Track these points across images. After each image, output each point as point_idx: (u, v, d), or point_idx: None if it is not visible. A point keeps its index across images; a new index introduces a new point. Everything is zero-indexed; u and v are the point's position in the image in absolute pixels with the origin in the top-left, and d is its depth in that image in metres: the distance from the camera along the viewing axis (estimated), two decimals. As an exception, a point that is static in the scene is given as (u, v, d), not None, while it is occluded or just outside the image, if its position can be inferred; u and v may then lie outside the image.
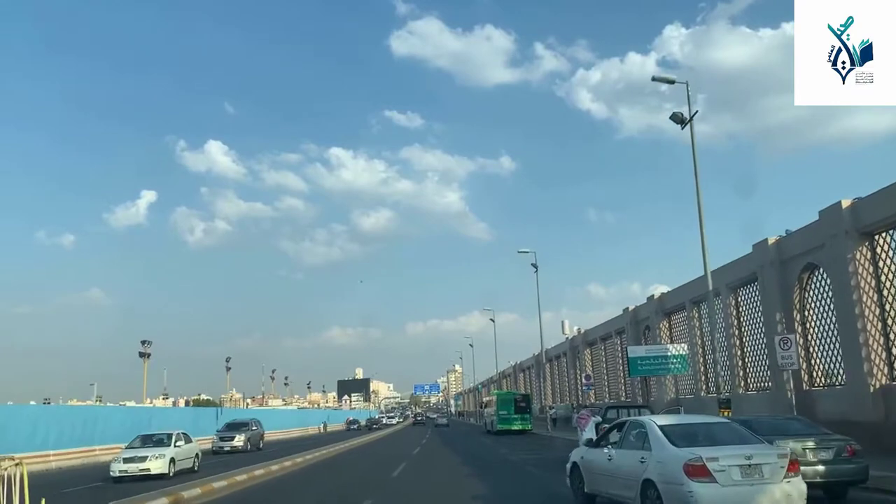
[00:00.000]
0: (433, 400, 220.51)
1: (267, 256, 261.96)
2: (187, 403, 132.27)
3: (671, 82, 20.03)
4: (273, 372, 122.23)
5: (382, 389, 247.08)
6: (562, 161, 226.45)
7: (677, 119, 19.26)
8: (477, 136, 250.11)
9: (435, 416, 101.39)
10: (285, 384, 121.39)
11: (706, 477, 8.21)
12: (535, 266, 39.42)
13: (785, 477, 8.43)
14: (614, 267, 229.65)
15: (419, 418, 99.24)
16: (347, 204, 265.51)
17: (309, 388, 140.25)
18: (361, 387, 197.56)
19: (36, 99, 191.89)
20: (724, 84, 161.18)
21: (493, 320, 71.11)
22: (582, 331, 49.35)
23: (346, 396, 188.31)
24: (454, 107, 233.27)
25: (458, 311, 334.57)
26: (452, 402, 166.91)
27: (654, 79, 20.71)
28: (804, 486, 8.60)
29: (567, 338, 53.23)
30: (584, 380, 43.04)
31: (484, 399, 61.56)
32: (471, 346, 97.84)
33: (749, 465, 8.42)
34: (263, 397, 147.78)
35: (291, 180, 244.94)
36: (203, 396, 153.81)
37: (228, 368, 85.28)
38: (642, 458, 9.23)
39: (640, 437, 9.66)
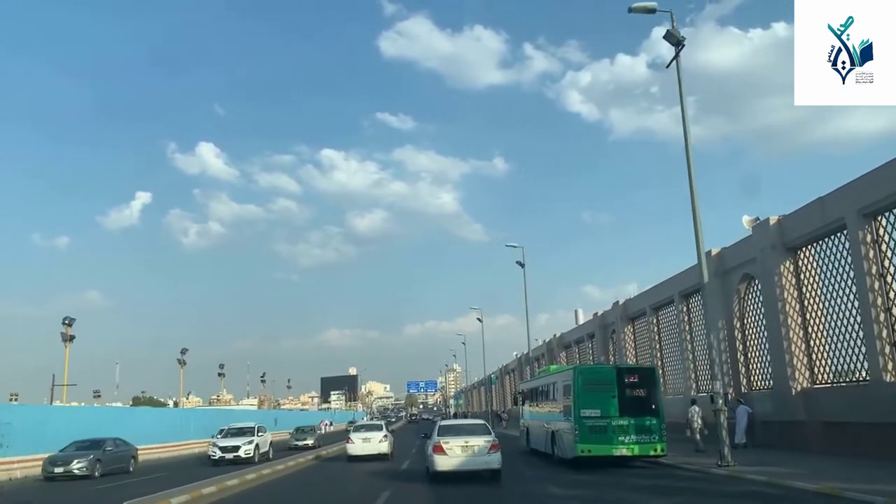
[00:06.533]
0: (431, 400, 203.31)
1: (262, 258, 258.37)
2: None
3: (652, 11, 17.77)
4: (221, 370, 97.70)
5: (378, 390, 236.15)
6: (555, 163, 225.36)
7: (673, 41, 17.87)
8: (469, 138, 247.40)
9: (428, 416, 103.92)
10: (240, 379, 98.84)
11: (441, 452, 16.11)
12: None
13: (489, 452, 16.01)
14: (609, 268, 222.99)
15: (413, 418, 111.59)
16: (341, 205, 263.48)
17: (263, 382, 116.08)
18: (345, 384, 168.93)
19: (28, 100, 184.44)
20: (716, 86, 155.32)
21: (521, 263, 43.88)
22: (777, 221, 20.99)
23: (310, 394, 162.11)
24: (445, 108, 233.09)
25: (456, 313, 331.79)
26: (452, 401, 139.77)
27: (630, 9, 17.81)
28: (499, 457, 16.11)
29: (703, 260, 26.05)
30: None
31: (526, 387, 29.08)
32: (479, 320, 71.31)
33: (466, 446, 16.14)
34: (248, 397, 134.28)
35: (284, 182, 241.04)
36: (149, 395, 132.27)
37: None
38: (427, 443, 17.87)
39: (433, 430, 17.73)
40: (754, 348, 23.31)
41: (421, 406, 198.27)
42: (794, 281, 20.51)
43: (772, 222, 20.96)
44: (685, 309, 28.84)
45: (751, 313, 23.54)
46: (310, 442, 38.77)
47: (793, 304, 20.35)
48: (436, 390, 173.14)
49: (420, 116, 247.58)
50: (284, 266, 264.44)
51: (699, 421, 22.45)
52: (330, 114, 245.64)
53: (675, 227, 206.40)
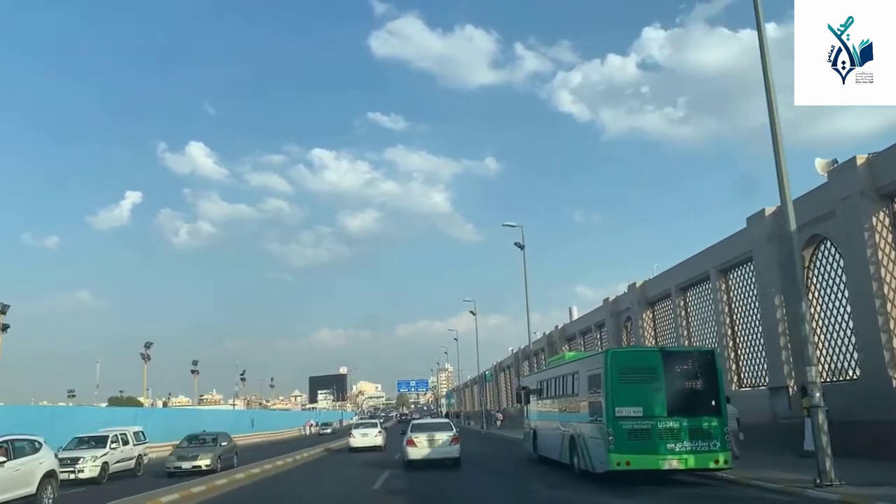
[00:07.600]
0: (422, 399, 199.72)
1: (254, 258, 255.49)
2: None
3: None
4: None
5: (369, 389, 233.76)
6: (547, 163, 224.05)
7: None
8: (461, 138, 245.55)
9: (418, 416, 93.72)
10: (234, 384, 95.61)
11: (413, 445, 19.78)
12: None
13: (451, 444, 19.61)
14: (601, 268, 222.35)
15: (403, 418, 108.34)
16: (333, 205, 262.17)
17: (243, 381, 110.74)
18: (333, 383, 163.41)
19: (18, 98, 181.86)
20: (706, 86, 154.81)
21: (520, 245, 38.85)
22: (866, 161, 15.38)
23: (295, 393, 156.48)
24: (437, 108, 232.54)
25: (448, 312, 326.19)
26: (444, 401, 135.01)
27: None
28: (458, 448, 19.77)
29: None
30: None
31: (533, 380, 23.15)
32: (472, 313, 66.29)
33: (432, 439, 19.73)
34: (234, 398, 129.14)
35: (275, 182, 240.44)
36: (128, 395, 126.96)
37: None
38: (404, 438, 20.97)
39: (407, 428, 21.44)
40: (826, 329, 18.40)
41: (412, 406, 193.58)
42: (890, 238, 15.62)
43: (859, 163, 16.05)
44: (723, 286, 23.92)
45: (820, 285, 18.65)
46: (203, 463, 22.04)
47: (890, 267, 15.46)
48: (427, 389, 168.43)
49: (412, 116, 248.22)
50: (276, 266, 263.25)
51: (735, 422, 17.78)
52: (321, 113, 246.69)
53: (668, 227, 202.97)
